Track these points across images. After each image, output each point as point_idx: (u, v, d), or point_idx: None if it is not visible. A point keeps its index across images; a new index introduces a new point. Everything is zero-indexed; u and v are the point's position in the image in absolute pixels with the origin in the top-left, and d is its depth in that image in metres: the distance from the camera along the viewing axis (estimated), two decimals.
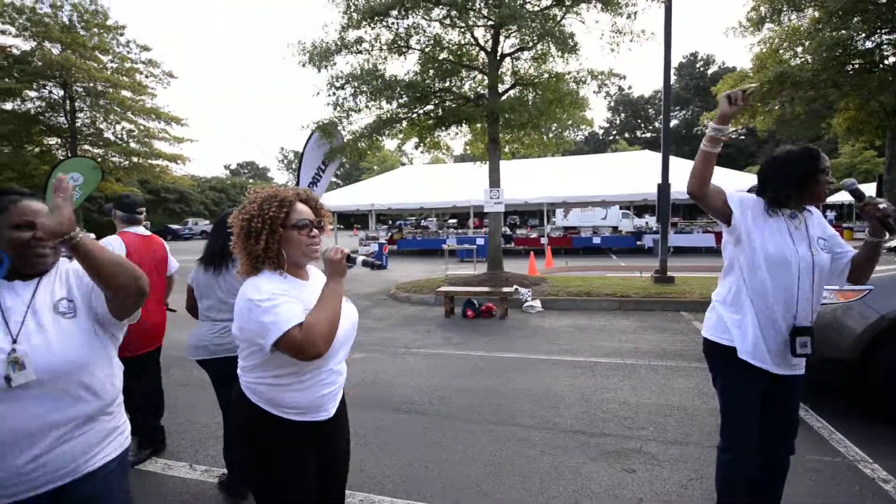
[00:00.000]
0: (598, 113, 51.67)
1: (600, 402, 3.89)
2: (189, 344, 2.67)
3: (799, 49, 9.03)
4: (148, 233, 3.29)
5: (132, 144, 21.65)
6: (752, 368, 1.91)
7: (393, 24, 9.10)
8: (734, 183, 16.86)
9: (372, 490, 2.70)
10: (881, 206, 1.78)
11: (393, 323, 7.11)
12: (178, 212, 42.85)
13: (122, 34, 20.37)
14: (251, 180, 52.05)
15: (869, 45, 8.58)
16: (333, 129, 9.33)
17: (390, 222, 30.44)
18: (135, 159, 21.48)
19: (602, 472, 2.83)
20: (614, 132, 49.68)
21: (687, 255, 15.98)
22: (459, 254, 16.16)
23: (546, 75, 9.09)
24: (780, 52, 9.31)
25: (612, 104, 49.99)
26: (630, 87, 46.38)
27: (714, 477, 2.12)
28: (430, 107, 9.70)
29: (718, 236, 16.57)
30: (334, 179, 57.77)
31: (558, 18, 8.42)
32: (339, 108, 9.22)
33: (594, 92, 9.18)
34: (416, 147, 10.54)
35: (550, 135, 10.07)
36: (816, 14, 8.75)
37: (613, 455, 3.02)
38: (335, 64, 9.21)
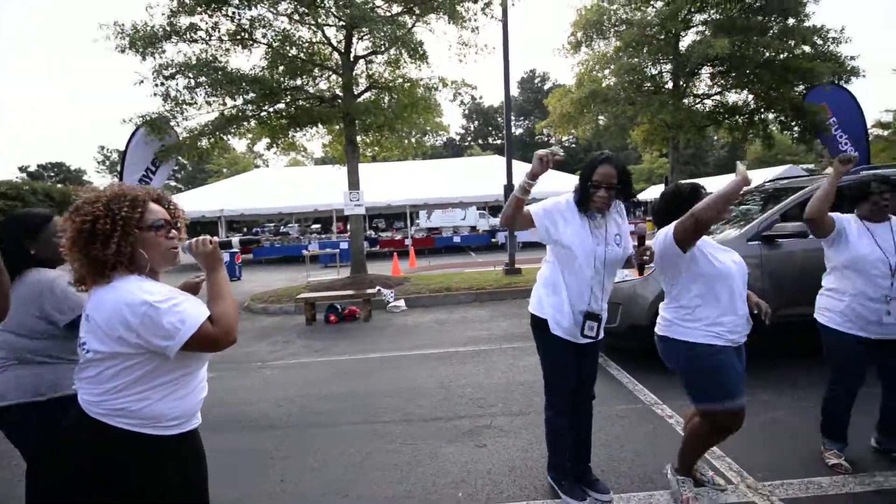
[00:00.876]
0: (455, 120, 54.65)
1: (457, 388, 4.13)
2: None
3: (607, 71, 10.81)
4: None
5: None
6: (564, 339, 2.30)
7: (234, 13, 8.39)
8: (565, 183, 19.42)
9: None
10: (645, 256, 2.27)
11: (248, 337, 6.56)
12: None
13: None
14: (60, 185, 42.93)
15: (654, 71, 10.69)
16: (164, 124, 8.19)
17: (245, 229, 27.93)
18: None
19: (457, 452, 3.02)
20: (469, 138, 52.98)
21: (534, 248, 17.86)
22: (322, 259, 15.60)
23: (400, 80, 9.29)
24: (594, 72, 11.03)
25: (467, 112, 53.29)
26: (482, 97, 49.90)
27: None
28: (282, 105, 9.17)
29: None
30: (174, 183, 50.80)
31: (409, 26, 8.68)
32: (169, 101, 8.14)
33: (449, 100, 9.64)
34: (269, 148, 9.89)
35: (412, 139, 10.32)
36: (617, 43, 10.58)
37: (467, 434, 3.24)
38: (164, 51, 8.13)
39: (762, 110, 10.67)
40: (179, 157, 9.17)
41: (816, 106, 9.90)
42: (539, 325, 2.38)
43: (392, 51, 8.66)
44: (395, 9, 8.70)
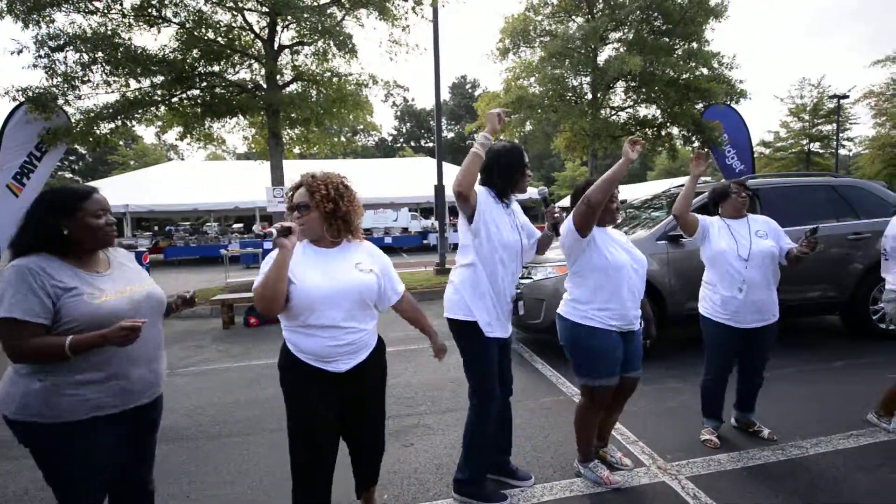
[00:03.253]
0: (387, 121, 54.14)
1: (387, 388, 4.00)
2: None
3: (532, 79, 11.24)
4: None
5: None
6: (490, 338, 2.28)
7: None
8: None
9: None
10: (556, 213, 2.39)
11: None
12: None
13: None
14: None
15: (575, 82, 11.30)
16: (51, 101, 7.13)
17: (156, 228, 25.49)
18: None
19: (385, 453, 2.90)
20: (401, 140, 52.73)
21: None
22: (244, 259, 14.63)
23: (328, 74, 8.94)
24: (520, 80, 11.42)
25: (399, 114, 52.98)
26: (414, 100, 49.90)
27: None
28: (196, 92, 8.43)
29: None
30: (70, 175, 45.26)
31: (338, 18, 8.38)
32: (56, 76, 7.13)
33: (381, 100, 9.48)
34: (182, 138, 9.03)
35: (342, 136, 9.97)
36: (542, 53, 11.04)
37: (395, 434, 3.14)
38: (52, 20, 7.13)
39: (668, 124, 11.67)
40: (74, 144, 8.06)
41: (713, 122, 11.02)
42: (467, 327, 2.27)
43: (320, 42, 8.30)
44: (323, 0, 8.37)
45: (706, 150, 9.64)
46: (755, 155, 13.65)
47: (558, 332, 2.50)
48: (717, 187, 3.03)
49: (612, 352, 2.33)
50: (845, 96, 22.00)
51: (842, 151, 27.09)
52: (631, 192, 27.36)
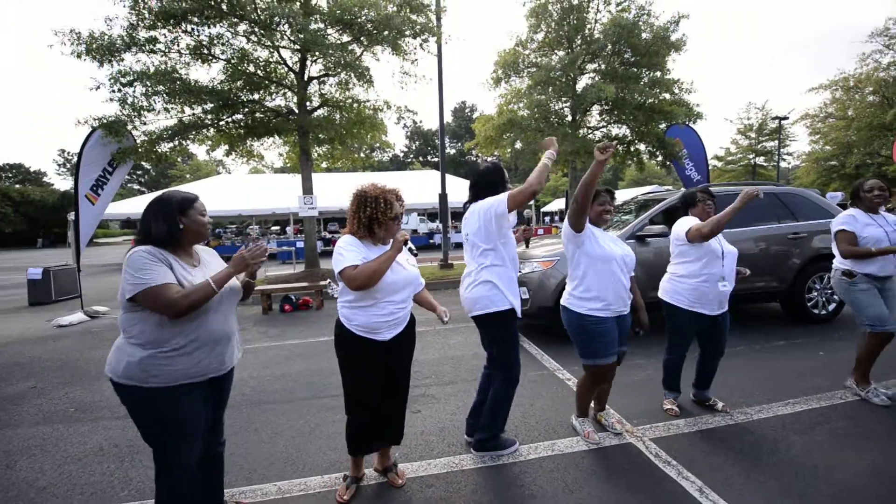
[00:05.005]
0: (399, 140, 53.87)
1: None
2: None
3: (521, 104, 11.14)
4: None
5: None
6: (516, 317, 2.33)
7: (193, 30, 7.57)
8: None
9: None
10: (527, 229, 2.57)
11: None
12: None
13: None
14: (19, 185, 36.66)
15: (557, 107, 11.22)
16: (121, 127, 7.19)
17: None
18: None
19: None
20: (411, 156, 52.56)
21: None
22: (280, 256, 14.69)
23: (350, 100, 8.92)
24: (511, 105, 11.32)
25: (409, 134, 52.80)
26: (421, 121, 49.69)
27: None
28: (240, 116, 8.43)
29: None
30: (137, 186, 45.51)
31: (357, 54, 8.35)
32: (126, 106, 7.17)
33: (394, 122, 9.45)
34: (228, 154, 9.05)
35: (361, 153, 9.93)
36: (529, 82, 10.94)
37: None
38: (122, 60, 7.14)
39: (636, 142, 11.56)
40: (140, 161, 8.08)
41: (673, 140, 10.91)
42: (504, 315, 2.26)
43: (342, 74, 8.28)
44: (346, 38, 8.33)
45: (699, 176, 9.60)
46: (710, 167, 13.52)
47: (565, 321, 2.45)
48: (687, 194, 2.94)
49: (611, 336, 2.33)
50: (785, 118, 21.75)
51: (782, 164, 26.83)
52: None
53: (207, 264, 1.74)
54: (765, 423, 2.65)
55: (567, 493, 2.05)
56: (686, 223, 2.74)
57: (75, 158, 7.28)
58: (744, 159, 27.57)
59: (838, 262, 2.96)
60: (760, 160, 27.22)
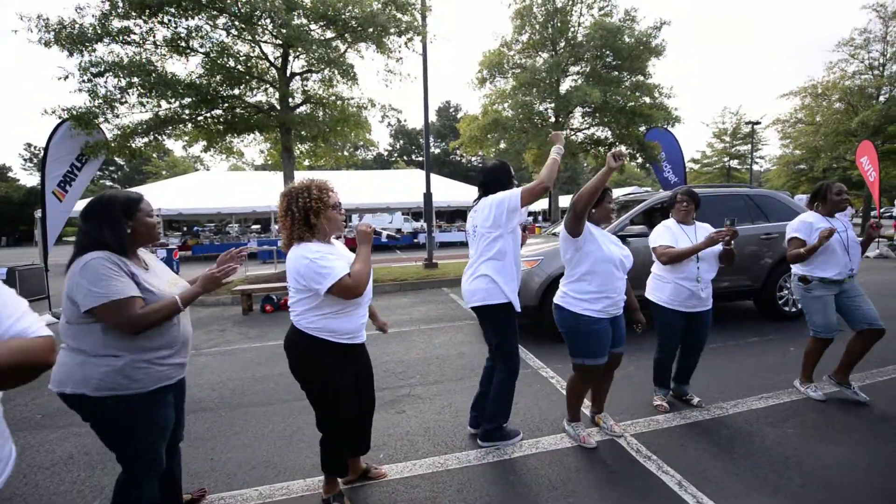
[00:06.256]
0: (383, 138, 53.51)
1: (381, 364, 3.96)
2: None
3: (506, 104, 11.22)
4: None
5: None
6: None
7: (170, 21, 7.31)
8: (474, 195, 20.03)
9: None
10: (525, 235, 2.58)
11: None
12: None
13: None
14: None
15: (541, 108, 11.32)
16: (92, 120, 6.88)
17: (185, 228, 24.81)
18: None
19: (380, 419, 2.86)
20: (395, 154, 52.19)
21: (448, 247, 18.10)
22: (261, 255, 14.36)
23: (333, 97, 8.79)
24: (496, 105, 11.39)
25: (393, 132, 52.43)
26: (406, 120, 49.34)
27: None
28: (219, 112, 8.20)
29: None
30: (109, 183, 43.76)
31: (341, 50, 8.24)
32: (97, 98, 6.88)
33: (379, 121, 9.38)
34: (206, 151, 8.79)
35: (345, 151, 9.80)
36: (514, 83, 11.03)
37: (389, 403, 3.11)
38: (94, 50, 6.84)
39: (617, 144, 11.79)
40: (111, 156, 7.76)
41: (653, 143, 11.18)
42: (503, 308, 2.34)
43: (326, 71, 8.15)
44: (329, 34, 8.20)
45: (676, 178, 9.81)
46: (687, 169, 13.91)
47: (558, 320, 2.41)
48: (668, 197, 3.01)
49: (605, 336, 2.32)
50: (758, 122, 22.58)
51: (755, 167, 27.85)
52: None
53: (154, 267, 1.65)
54: (740, 417, 2.73)
55: (551, 490, 2.07)
56: (657, 235, 2.83)
57: (43, 153, 6.94)
58: (719, 162, 28.49)
59: (795, 267, 3.04)
60: (735, 163, 28.20)
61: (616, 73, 10.87)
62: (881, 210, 25.56)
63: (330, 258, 1.70)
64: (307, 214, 1.73)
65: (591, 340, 2.31)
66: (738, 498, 1.97)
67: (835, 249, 2.84)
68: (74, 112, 6.81)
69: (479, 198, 2.45)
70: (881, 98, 14.59)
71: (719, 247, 2.76)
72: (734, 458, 2.29)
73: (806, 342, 3.05)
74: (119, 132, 7.33)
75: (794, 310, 4.99)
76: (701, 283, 2.74)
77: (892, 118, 13.39)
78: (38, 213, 8.00)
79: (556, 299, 2.45)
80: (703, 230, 2.85)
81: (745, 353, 3.98)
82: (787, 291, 5.00)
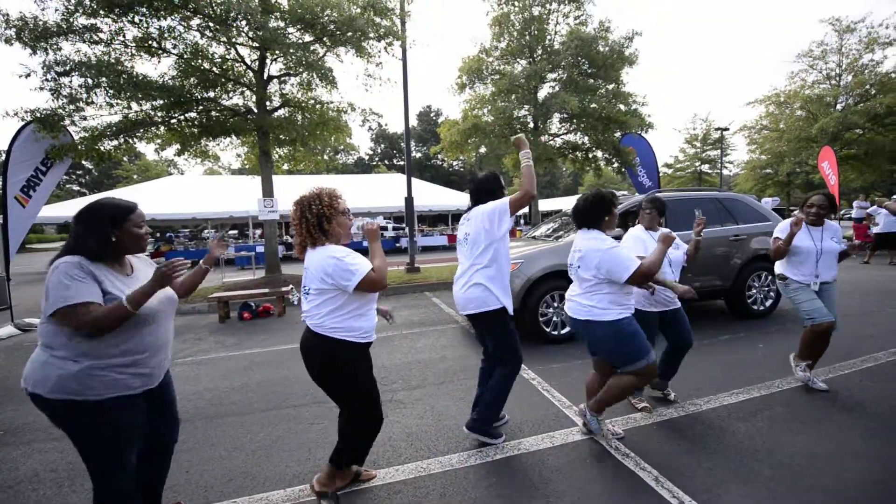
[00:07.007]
0: (364, 142, 53.12)
1: None
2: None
3: (485, 110, 11.35)
4: None
5: None
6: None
7: (141, 20, 7.09)
8: (455, 200, 20.13)
9: None
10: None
11: None
12: None
13: None
14: None
15: (520, 114, 11.49)
16: (57, 122, 6.59)
17: (158, 234, 23.96)
18: None
19: None
20: (377, 159, 51.92)
21: (430, 251, 18.08)
22: (238, 261, 14.00)
23: (312, 101, 8.70)
24: (475, 110, 11.50)
25: (374, 137, 52.20)
26: (387, 125, 49.33)
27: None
28: (194, 114, 7.99)
29: (451, 238, 19.53)
30: (77, 188, 41.88)
31: (320, 54, 8.16)
32: (61, 98, 6.60)
33: (359, 125, 9.32)
34: (179, 154, 8.53)
35: (325, 155, 9.69)
36: (493, 89, 11.17)
37: None
38: (59, 48, 6.57)
39: (594, 149, 12.08)
40: (78, 159, 7.43)
41: (628, 148, 11.52)
42: (498, 313, 2.41)
43: (304, 74, 8.06)
44: (308, 38, 8.12)
45: (650, 182, 10.03)
46: (660, 174, 14.38)
47: (596, 339, 2.36)
48: (633, 204, 3.14)
49: (643, 329, 2.43)
50: (727, 129, 23.55)
51: (725, 171, 29.03)
52: (566, 203, 28.07)
53: (140, 273, 1.64)
54: (713, 413, 2.83)
55: (533, 491, 2.09)
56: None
57: (3, 156, 6.59)
58: (691, 167, 29.56)
59: (776, 267, 3.28)
60: (705, 168, 29.31)
61: (592, 80, 11.15)
62: (840, 213, 26.98)
63: (355, 256, 1.82)
64: (321, 220, 1.86)
65: (637, 337, 2.31)
66: (711, 491, 2.03)
67: (807, 259, 3.05)
68: (39, 114, 6.52)
69: (470, 207, 2.53)
70: (838, 106, 15.46)
71: (682, 255, 2.93)
72: (708, 452, 2.37)
73: (801, 334, 3.14)
74: (87, 134, 7.05)
75: (762, 308, 5.21)
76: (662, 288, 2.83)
77: (849, 125, 14.20)
78: None
79: (579, 315, 2.38)
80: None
81: (717, 350, 4.12)
82: (755, 290, 5.22)
